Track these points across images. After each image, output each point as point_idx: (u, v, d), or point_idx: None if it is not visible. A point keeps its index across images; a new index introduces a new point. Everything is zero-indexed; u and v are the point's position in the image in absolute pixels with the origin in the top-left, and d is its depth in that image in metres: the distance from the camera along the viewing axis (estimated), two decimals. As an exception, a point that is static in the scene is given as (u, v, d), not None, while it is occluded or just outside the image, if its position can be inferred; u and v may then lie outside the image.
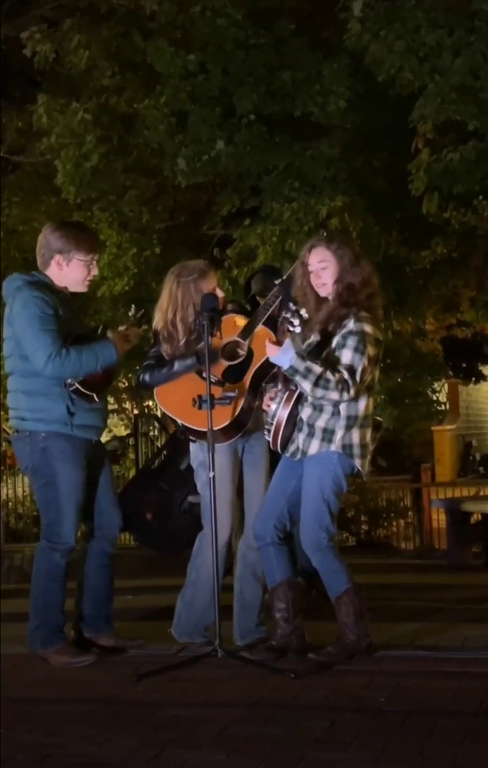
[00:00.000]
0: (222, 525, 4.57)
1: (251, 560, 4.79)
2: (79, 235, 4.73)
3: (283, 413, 4.54)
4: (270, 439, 4.61)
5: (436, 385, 14.97)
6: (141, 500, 7.75)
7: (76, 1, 9.51)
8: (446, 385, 18.86)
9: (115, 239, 9.56)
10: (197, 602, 4.75)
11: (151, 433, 13.27)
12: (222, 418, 4.52)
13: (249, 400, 4.64)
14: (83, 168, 8.85)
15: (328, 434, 4.46)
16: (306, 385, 4.35)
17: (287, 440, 4.56)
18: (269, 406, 4.61)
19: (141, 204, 9.83)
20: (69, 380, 4.52)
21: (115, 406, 13.75)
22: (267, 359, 4.51)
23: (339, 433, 4.45)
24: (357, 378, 4.37)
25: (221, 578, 4.50)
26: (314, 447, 4.47)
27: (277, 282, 4.62)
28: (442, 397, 17.73)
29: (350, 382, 4.35)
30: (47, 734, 3.58)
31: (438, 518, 12.18)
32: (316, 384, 4.32)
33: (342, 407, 4.45)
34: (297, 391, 4.50)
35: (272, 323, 4.59)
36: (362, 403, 4.49)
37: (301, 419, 4.52)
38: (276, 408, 4.56)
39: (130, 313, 4.88)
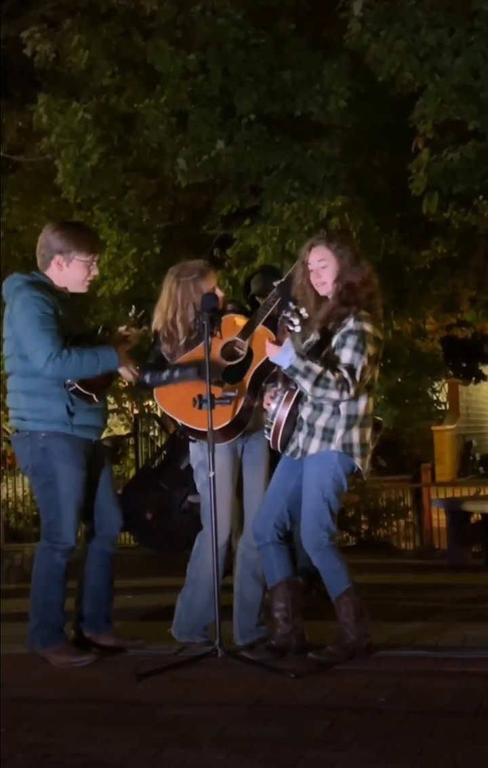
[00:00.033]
0: (222, 525, 4.57)
1: (251, 560, 4.79)
2: (79, 235, 4.73)
3: (283, 412, 4.54)
4: (270, 439, 4.61)
5: (436, 385, 14.96)
6: (141, 500, 7.74)
7: (76, 1, 9.51)
8: (446, 385, 18.86)
9: (115, 239, 9.56)
10: (196, 602, 4.75)
11: (151, 433, 13.27)
12: (222, 418, 4.52)
13: (249, 400, 4.64)
14: (83, 168, 8.85)
15: (328, 433, 4.46)
16: (306, 385, 4.35)
17: (287, 439, 4.56)
18: (268, 405, 4.61)
19: (141, 204, 9.83)
20: (68, 381, 4.52)
21: (115, 406, 13.75)
22: (267, 359, 4.52)
23: (339, 433, 4.46)
24: (357, 377, 4.37)
25: (221, 578, 4.50)
26: (314, 446, 4.47)
27: (275, 284, 4.62)
28: (442, 397, 17.72)
29: (350, 382, 4.35)
30: (47, 734, 3.58)
31: (438, 518, 12.18)
32: (316, 383, 4.32)
33: (342, 406, 4.45)
34: (297, 391, 4.50)
35: (272, 323, 4.60)
36: (362, 402, 4.50)
37: (301, 418, 4.52)
38: (276, 407, 4.56)
39: (130, 314, 4.88)
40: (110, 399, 9.44)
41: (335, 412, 4.46)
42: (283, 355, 4.37)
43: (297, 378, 4.36)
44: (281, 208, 8.62)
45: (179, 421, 4.75)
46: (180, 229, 10.82)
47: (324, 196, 8.62)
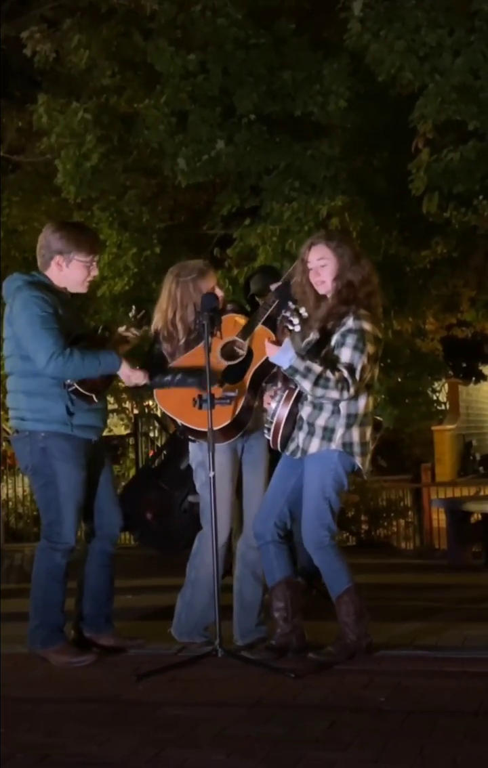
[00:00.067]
0: (222, 525, 4.57)
1: (251, 560, 4.79)
2: (79, 236, 4.73)
3: (283, 412, 4.54)
4: (270, 438, 4.61)
5: (436, 385, 14.97)
6: (141, 500, 7.74)
7: (76, 1, 9.51)
8: (446, 385, 18.86)
9: (115, 239, 9.56)
10: (196, 602, 4.75)
11: (151, 433, 13.27)
12: (222, 417, 4.52)
13: (249, 400, 4.64)
14: (83, 168, 8.85)
15: (328, 433, 4.46)
16: (306, 385, 4.35)
17: (287, 439, 4.56)
18: (268, 404, 4.61)
19: (141, 204, 9.83)
20: (68, 381, 4.52)
21: (115, 406, 13.76)
22: (267, 359, 4.51)
23: (339, 432, 4.46)
24: (357, 376, 4.37)
25: (221, 578, 4.50)
26: (314, 445, 4.47)
27: (272, 288, 4.62)
28: (442, 397, 17.73)
29: (350, 381, 4.35)
30: (47, 734, 3.58)
31: (438, 518, 12.18)
32: (316, 383, 4.32)
33: (342, 405, 4.45)
34: (297, 390, 4.50)
35: (272, 323, 4.60)
36: (362, 401, 4.50)
37: (301, 418, 4.52)
38: (276, 406, 4.56)
39: (130, 314, 4.88)
40: (110, 399, 9.44)
41: (336, 411, 4.46)
42: (283, 356, 4.37)
43: (297, 378, 4.36)
44: (281, 208, 8.63)
45: (179, 421, 4.75)
46: (180, 229, 10.82)
47: (324, 196, 8.62)
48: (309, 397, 4.46)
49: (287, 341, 4.39)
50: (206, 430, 4.44)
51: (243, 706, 3.82)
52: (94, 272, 4.78)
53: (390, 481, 14.59)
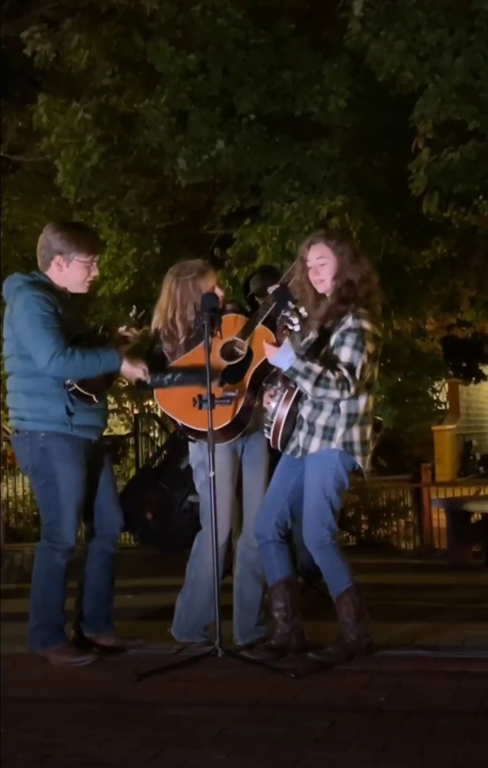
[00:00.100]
0: (221, 525, 4.57)
1: (251, 560, 4.79)
2: (79, 236, 4.73)
3: (283, 411, 4.54)
4: (270, 437, 4.61)
5: (436, 385, 14.97)
6: (141, 500, 7.74)
7: (76, 1, 9.51)
8: (446, 385, 18.87)
9: (115, 239, 9.56)
10: (196, 602, 4.75)
11: (151, 433, 13.28)
12: (222, 417, 4.52)
13: (249, 400, 4.64)
14: (83, 168, 8.85)
15: (329, 432, 4.46)
16: (307, 385, 4.35)
17: (287, 438, 4.56)
18: (268, 404, 4.61)
19: (141, 204, 9.83)
20: (68, 381, 4.52)
21: (116, 406, 13.76)
22: (267, 359, 4.51)
23: (340, 431, 4.46)
24: (357, 375, 4.37)
25: (221, 578, 4.50)
26: (315, 445, 4.47)
27: (270, 290, 4.62)
28: (442, 397, 17.72)
29: (350, 380, 4.35)
30: (47, 734, 3.58)
31: (438, 518, 12.18)
32: (317, 384, 4.32)
33: (342, 405, 4.45)
34: (296, 389, 4.50)
35: (271, 323, 4.60)
36: (363, 401, 4.50)
37: (301, 417, 4.52)
38: (276, 406, 4.56)
39: (131, 314, 4.88)
40: (110, 399, 9.43)
41: (336, 410, 4.46)
42: (282, 357, 4.37)
43: (298, 379, 4.36)
44: (281, 208, 8.63)
45: (179, 422, 4.75)
46: (180, 229, 10.82)
47: (324, 196, 8.62)
48: (309, 397, 4.46)
49: (286, 342, 4.39)
50: (206, 430, 4.44)
51: (243, 706, 3.82)
52: (95, 272, 4.78)
53: (390, 481, 14.59)
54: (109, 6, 9.23)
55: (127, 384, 12.31)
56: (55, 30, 9.33)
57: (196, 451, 4.81)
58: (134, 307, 4.96)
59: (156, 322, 4.85)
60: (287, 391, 4.54)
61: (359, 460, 4.49)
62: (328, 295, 4.52)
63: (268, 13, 8.91)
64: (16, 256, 10.17)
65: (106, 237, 9.41)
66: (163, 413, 9.59)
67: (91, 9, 9.38)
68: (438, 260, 9.96)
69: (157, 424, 13.18)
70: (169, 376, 4.70)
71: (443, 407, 17.31)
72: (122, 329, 4.80)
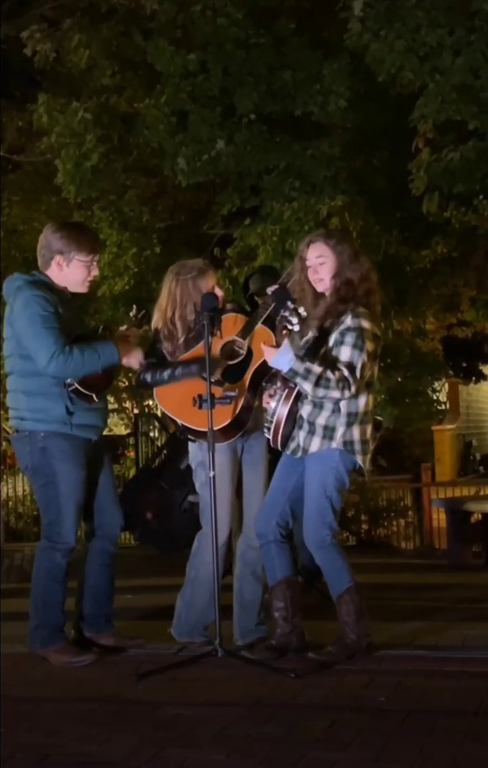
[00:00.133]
0: (221, 524, 4.57)
1: (251, 559, 4.79)
2: (80, 236, 4.73)
3: (282, 411, 4.54)
4: (270, 437, 4.60)
5: (436, 385, 14.97)
6: (141, 499, 7.74)
7: (76, 1, 9.50)
8: (446, 385, 18.87)
9: (115, 239, 9.56)
10: (196, 601, 4.75)
11: (151, 433, 13.28)
12: (222, 417, 4.52)
13: (249, 399, 4.64)
14: (83, 167, 8.84)
15: (329, 431, 4.46)
16: (307, 386, 4.34)
17: (287, 438, 4.56)
18: (268, 403, 4.61)
19: (141, 203, 9.83)
20: (68, 380, 4.52)
21: (116, 406, 13.76)
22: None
23: (340, 430, 4.46)
24: (357, 374, 4.37)
25: (221, 577, 4.50)
26: (315, 444, 4.47)
27: (269, 291, 4.62)
28: (442, 397, 17.72)
29: (350, 380, 4.35)
30: (47, 733, 3.58)
31: (438, 518, 12.18)
32: (317, 384, 4.32)
33: (342, 404, 4.45)
34: (296, 389, 4.50)
35: (271, 323, 4.60)
36: (363, 400, 4.50)
37: (301, 416, 4.52)
38: (276, 405, 4.56)
39: (131, 314, 4.89)
40: (110, 399, 9.44)
41: (336, 409, 4.46)
42: (281, 358, 4.36)
43: (298, 380, 4.36)
44: (282, 207, 8.63)
45: (179, 422, 4.74)
46: (180, 228, 10.82)
47: (324, 196, 8.62)
48: (310, 397, 4.46)
49: (285, 344, 4.39)
50: (206, 430, 4.44)
51: (243, 705, 3.82)
52: (95, 272, 4.78)
53: (390, 481, 14.59)
54: (109, 6, 9.23)
55: (127, 384, 12.32)
56: (55, 30, 9.33)
57: (196, 451, 4.81)
58: (134, 306, 4.97)
59: (156, 321, 4.85)
60: (286, 391, 4.54)
61: (359, 459, 4.49)
62: (327, 294, 4.52)
63: (268, 13, 8.91)
64: (16, 256, 10.17)
65: (106, 237, 9.41)
66: (163, 413, 9.60)
67: (92, 9, 9.37)
68: (438, 260, 9.96)
69: (157, 424, 13.18)
70: (168, 371, 4.69)
71: (443, 407, 17.32)
72: (122, 329, 4.80)
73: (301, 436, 4.52)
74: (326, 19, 8.91)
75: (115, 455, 12.17)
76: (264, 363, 4.57)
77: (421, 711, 3.69)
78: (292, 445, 4.56)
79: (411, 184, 8.22)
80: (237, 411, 4.58)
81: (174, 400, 4.71)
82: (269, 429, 4.60)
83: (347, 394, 4.37)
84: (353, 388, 4.36)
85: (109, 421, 5.12)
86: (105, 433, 4.97)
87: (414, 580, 8.33)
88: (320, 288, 4.53)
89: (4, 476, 12.07)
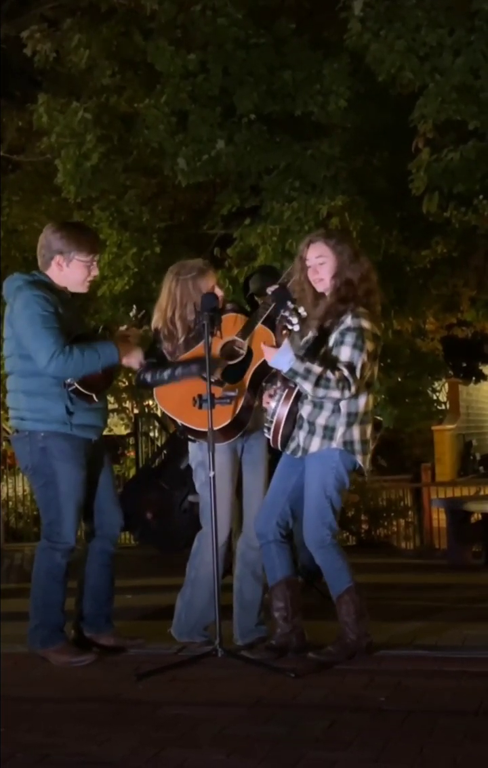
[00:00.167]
0: (221, 524, 4.57)
1: (251, 559, 4.79)
2: (80, 236, 4.73)
3: (282, 411, 4.54)
4: (270, 437, 4.61)
5: (436, 385, 14.98)
6: (141, 499, 7.74)
7: (76, 1, 9.50)
8: (446, 385, 18.87)
9: (115, 239, 9.56)
10: (196, 601, 4.75)
11: (151, 433, 13.28)
12: (222, 417, 4.52)
13: (249, 399, 4.64)
14: (83, 167, 8.84)
15: (329, 431, 4.46)
16: (307, 386, 4.35)
17: (287, 438, 4.56)
18: (268, 403, 4.61)
19: (141, 203, 9.83)
20: (68, 380, 4.52)
21: (116, 406, 13.76)
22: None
23: (340, 430, 4.46)
24: (357, 374, 4.37)
25: (221, 577, 4.50)
26: (315, 444, 4.47)
27: (269, 291, 4.62)
28: (442, 397, 17.73)
29: (350, 380, 4.35)
30: (47, 733, 3.58)
31: (438, 518, 12.19)
32: (317, 384, 4.32)
33: (343, 404, 4.45)
34: (296, 389, 4.50)
35: (271, 323, 4.60)
36: (363, 400, 4.50)
37: (301, 416, 4.52)
38: (276, 405, 4.56)
39: (131, 314, 4.89)
40: (110, 399, 9.44)
41: (336, 409, 4.46)
42: (281, 359, 4.36)
43: (298, 380, 4.36)
44: (282, 207, 8.63)
45: (179, 422, 4.74)
46: (180, 228, 10.83)
47: (324, 196, 8.62)
48: (310, 397, 4.46)
49: (285, 344, 4.39)
50: (206, 430, 4.44)
51: (243, 706, 3.82)
52: (95, 272, 4.78)
53: (390, 481, 14.60)
54: (109, 6, 9.23)
55: (127, 384, 12.32)
56: (55, 30, 9.33)
57: (196, 451, 4.81)
58: (134, 306, 4.97)
59: (156, 321, 4.85)
60: (286, 391, 4.54)
61: (359, 459, 4.50)
62: (327, 294, 4.52)
63: (268, 13, 8.91)
64: (16, 256, 10.17)
65: (106, 237, 9.41)
66: (163, 413, 9.60)
67: (92, 9, 9.37)
68: (438, 260, 9.96)
69: (157, 424, 13.18)
70: (169, 371, 4.69)
71: (443, 407, 17.32)
72: (122, 329, 4.80)
73: (301, 436, 4.52)
74: (326, 19, 8.90)
75: (115, 455, 12.17)
76: (264, 363, 4.57)
77: (421, 711, 3.69)
78: (292, 445, 4.56)
79: (411, 184, 8.22)
80: (237, 411, 4.58)
81: (174, 400, 4.71)
82: (269, 429, 4.60)
83: (347, 394, 4.37)
84: (353, 388, 4.36)
85: (109, 421, 5.12)
86: (105, 433, 4.97)
87: (414, 580, 8.33)
88: (320, 288, 4.53)
89: (4, 476, 12.07)
